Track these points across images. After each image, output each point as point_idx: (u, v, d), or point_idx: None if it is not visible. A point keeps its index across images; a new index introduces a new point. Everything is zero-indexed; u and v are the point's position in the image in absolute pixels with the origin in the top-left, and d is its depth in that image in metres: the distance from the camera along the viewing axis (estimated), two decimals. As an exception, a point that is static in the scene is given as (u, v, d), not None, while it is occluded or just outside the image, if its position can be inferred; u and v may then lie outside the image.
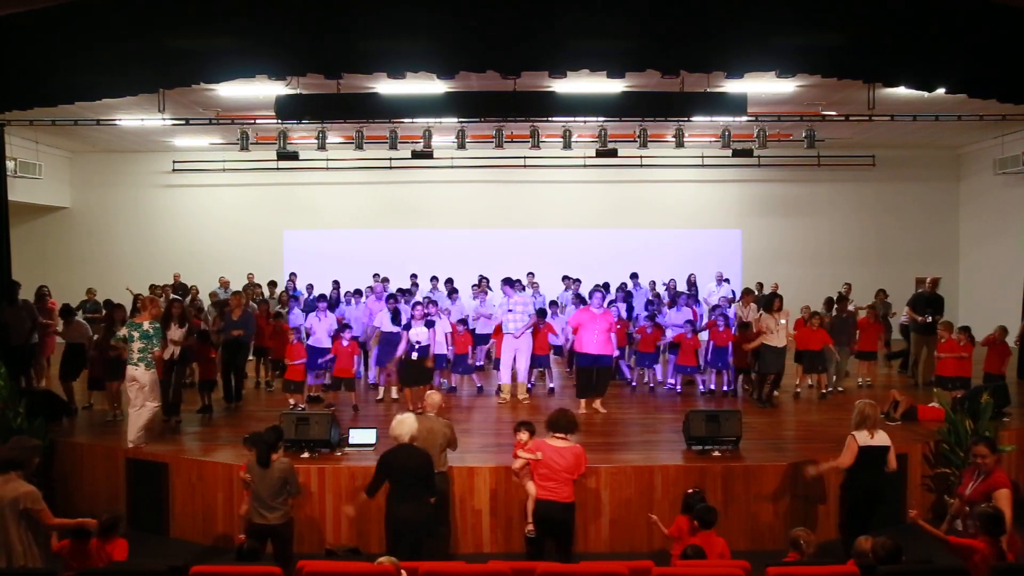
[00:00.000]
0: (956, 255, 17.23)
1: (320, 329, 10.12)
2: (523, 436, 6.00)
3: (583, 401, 9.43)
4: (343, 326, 9.76)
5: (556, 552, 5.79)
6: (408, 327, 9.50)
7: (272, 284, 13.67)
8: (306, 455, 7.51)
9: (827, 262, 16.65)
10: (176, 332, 9.05)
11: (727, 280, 14.03)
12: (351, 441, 7.78)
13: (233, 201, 17.26)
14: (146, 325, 7.93)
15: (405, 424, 5.73)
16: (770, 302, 9.94)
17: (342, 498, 7.13)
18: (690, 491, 5.97)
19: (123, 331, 8.10)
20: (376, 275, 14.21)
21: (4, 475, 4.86)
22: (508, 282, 10.66)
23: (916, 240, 17.11)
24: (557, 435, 5.81)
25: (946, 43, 7.22)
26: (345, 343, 9.50)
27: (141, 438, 7.88)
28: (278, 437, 6.04)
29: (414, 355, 9.30)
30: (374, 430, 7.87)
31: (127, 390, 8.05)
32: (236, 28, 6.99)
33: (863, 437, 6.12)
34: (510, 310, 10.15)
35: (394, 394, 10.22)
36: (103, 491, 7.83)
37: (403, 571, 4.61)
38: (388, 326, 10.17)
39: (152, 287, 12.56)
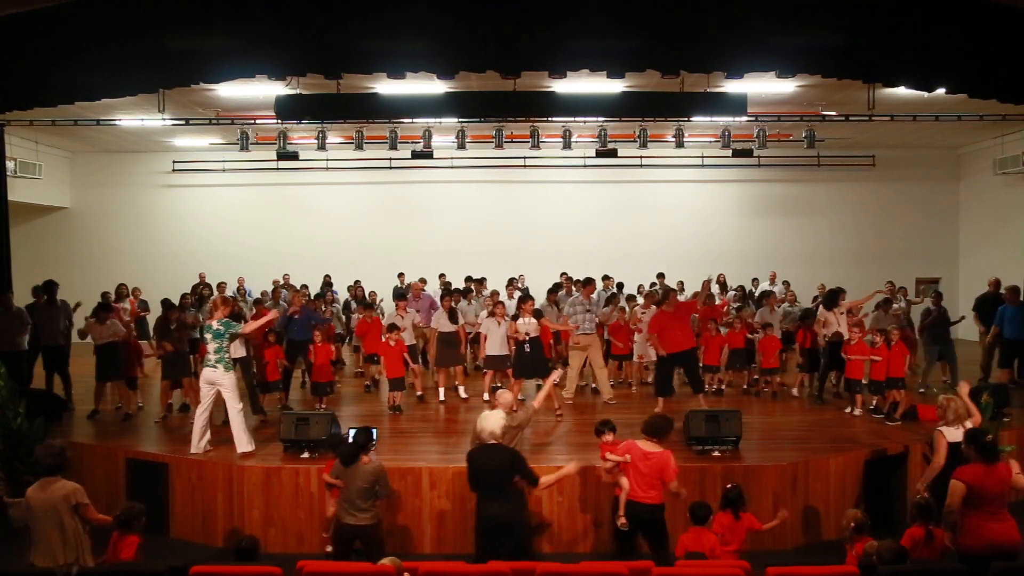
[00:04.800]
0: (956, 255, 17.25)
1: (405, 327, 10.01)
2: (608, 437, 6.13)
3: (661, 400, 9.20)
4: (390, 326, 9.69)
5: (650, 550, 5.78)
6: (516, 318, 9.34)
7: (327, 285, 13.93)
8: (306, 455, 7.51)
9: (827, 262, 16.65)
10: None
11: (786, 282, 14.23)
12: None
13: (233, 201, 17.27)
14: (215, 324, 7.60)
15: (488, 422, 5.64)
16: (834, 298, 9.81)
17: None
18: (728, 486, 5.95)
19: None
20: (401, 274, 14.54)
21: (41, 481, 5.02)
22: (587, 282, 10.36)
23: (916, 240, 17.13)
24: (648, 438, 5.77)
25: (946, 43, 7.22)
26: (393, 343, 9.40)
27: (245, 442, 7.63)
28: (367, 438, 5.99)
29: (526, 348, 9.12)
30: (374, 430, 7.86)
31: (200, 392, 7.74)
32: (236, 28, 6.98)
33: (951, 433, 5.96)
34: (587, 311, 9.88)
35: (462, 393, 10.18)
36: (103, 491, 7.80)
37: (405, 572, 4.61)
38: (446, 326, 10.12)
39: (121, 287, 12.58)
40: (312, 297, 11.88)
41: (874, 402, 9.31)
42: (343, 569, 5.11)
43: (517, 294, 12.41)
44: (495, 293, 12.07)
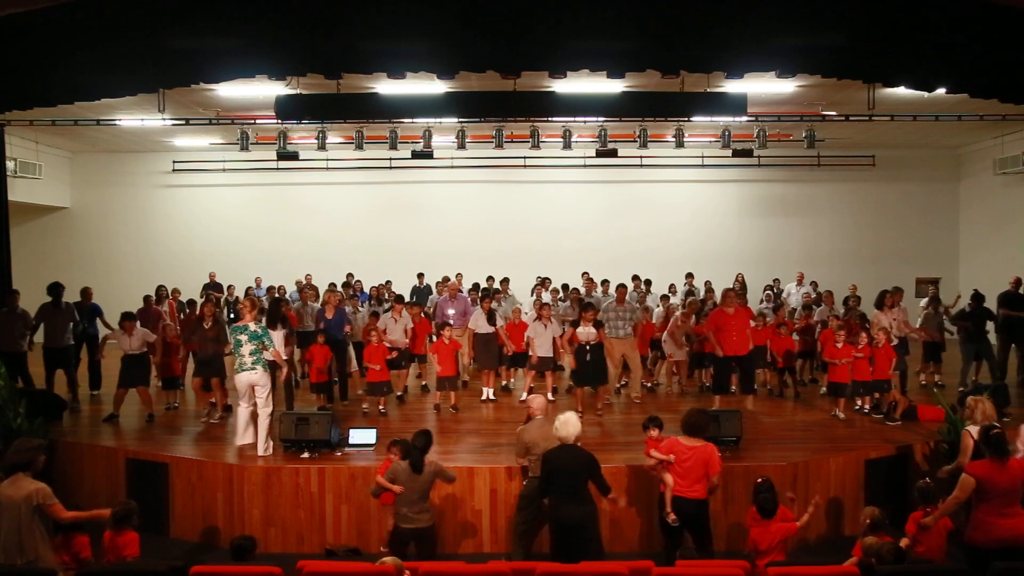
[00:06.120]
0: (956, 255, 17.25)
1: (396, 329, 9.90)
2: (654, 433, 6.25)
3: (717, 398, 9.29)
4: (442, 324, 9.67)
5: (695, 545, 5.85)
6: (576, 324, 9.27)
7: (347, 284, 13.78)
8: (306, 455, 7.52)
9: (826, 262, 16.65)
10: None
11: (814, 282, 14.32)
12: (351, 441, 7.78)
13: (233, 201, 17.27)
14: (252, 326, 7.58)
15: (570, 425, 5.69)
16: (881, 299, 9.77)
17: (342, 498, 7.14)
18: (759, 480, 5.97)
19: (230, 338, 7.78)
20: (420, 274, 14.47)
21: (11, 477, 4.98)
22: (621, 287, 10.48)
23: (916, 240, 17.13)
24: (689, 437, 5.84)
25: (946, 43, 7.21)
26: (447, 341, 9.41)
27: (264, 445, 7.61)
28: (428, 441, 5.99)
29: (587, 356, 9.03)
30: (374, 430, 7.87)
31: (239, 391, 7.73)
32: (236, 28, 6.98)
33: (977, 432, 5.98)
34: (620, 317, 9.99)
35: (492, 395, 10.17)
36: (103, 491, 7.83)
37: (406, 571, 4.61)
38: (484, 327, 10.11)
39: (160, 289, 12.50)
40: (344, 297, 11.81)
41: (865, 404, 9.28)
42: (343, 569, 5.12)
43: (545, 294, 12.50)
44: (540, 298, 11.99)
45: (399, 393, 10.19)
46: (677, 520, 5.72)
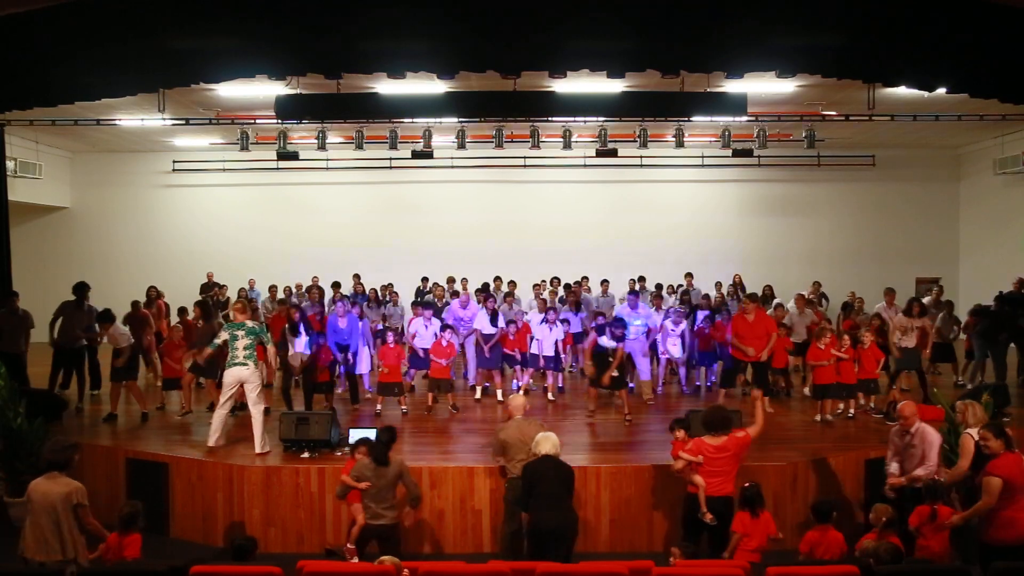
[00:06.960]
0: (956, 255, 17.25)
1: (427, 336, 9.93)
2: (680, 434, 6.32)
3: (723, 391, 9.49)
4: (444, 326, 9.82)
5: (711, 545, 5.88)
6: (602, 331, 9.14)
7: (335, 285, 13.70)
8: (306, 455, 7.52)
9: (827, 262, 16.66)
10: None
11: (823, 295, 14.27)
12: (351, 441, 7.77)
13: (233, 201, 17.27)
14: (250, 323, 7.79)
15: (549, 442, 5.87)
16: (910, 306, 9.81)
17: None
18: (746, 485, 5.98)
19: (223, 335, 7.81)
20: (424, 278, 14.50)
21: (48, 474, 5.11)
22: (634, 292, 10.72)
23: (916, 240, 17.13)
24: (715, 435, 5.89)
25: (946, 43, 7.22)
26: (445, 344, 9.56)
27: (262, 443, 7.65)
28: (392, 436, 6.12)
29: (610, 359, 8.87)
30: (374, 430, 7.85)
31: (223, 389, 7.81)
32: (236, 28, 6.99)
33: (977, 434, 5.94)
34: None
35: (500, 396, 10.14)
36: (103, 491, 7.81)
37: (405, 571, 4.62)
38: (487, 328, 10.19)
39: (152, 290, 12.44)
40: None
41: (850, 407, 9.25)
42: (343, 569, 5.13)
43: (545, 293, 12.50)
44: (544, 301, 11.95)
45: (412, 384, 10.40)
46: (715, 520, 5.76)
